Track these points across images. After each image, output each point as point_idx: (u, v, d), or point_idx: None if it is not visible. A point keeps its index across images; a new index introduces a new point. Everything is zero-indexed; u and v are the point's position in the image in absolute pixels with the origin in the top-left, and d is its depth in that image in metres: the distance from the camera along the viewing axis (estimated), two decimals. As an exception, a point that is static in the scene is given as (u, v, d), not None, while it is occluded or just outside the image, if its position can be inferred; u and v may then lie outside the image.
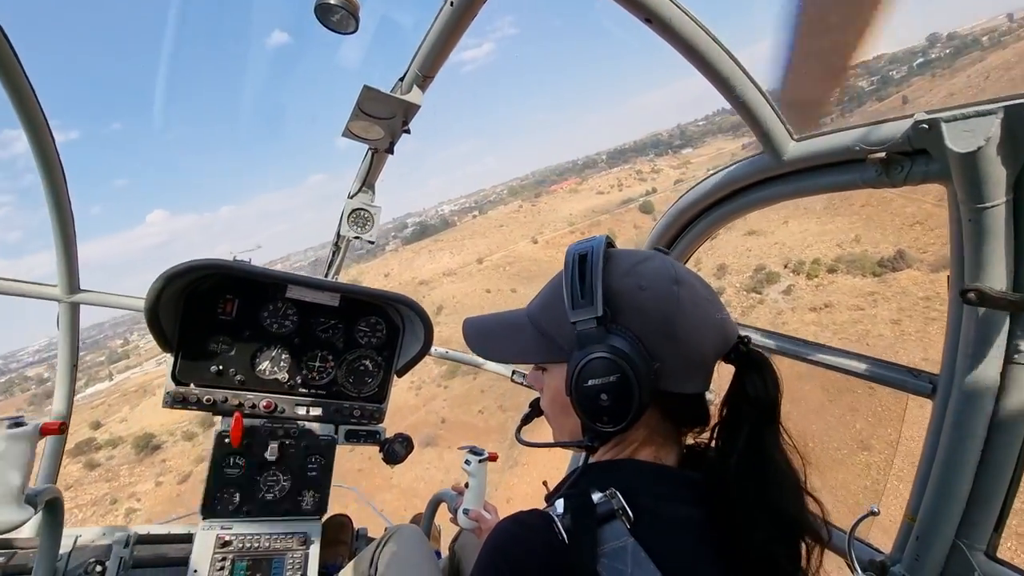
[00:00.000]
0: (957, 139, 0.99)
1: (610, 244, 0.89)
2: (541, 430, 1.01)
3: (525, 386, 3.02)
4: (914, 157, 1.16)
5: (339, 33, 1.39)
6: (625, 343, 0.78)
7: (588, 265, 0.82)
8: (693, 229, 1.82)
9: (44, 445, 2.37)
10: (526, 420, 1.06)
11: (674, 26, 1.18)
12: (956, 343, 1.23)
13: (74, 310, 2.42)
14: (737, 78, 1.28)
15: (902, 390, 1.44)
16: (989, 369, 1.18)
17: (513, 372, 3.07)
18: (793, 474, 0.83)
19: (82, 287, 2.43)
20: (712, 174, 1.63)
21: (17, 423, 1.40)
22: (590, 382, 0.79)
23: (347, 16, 1.32)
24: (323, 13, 1.33)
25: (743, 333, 0.89)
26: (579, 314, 0.81)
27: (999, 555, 1.25)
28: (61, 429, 1.53)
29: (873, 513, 1.41)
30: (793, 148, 1.35)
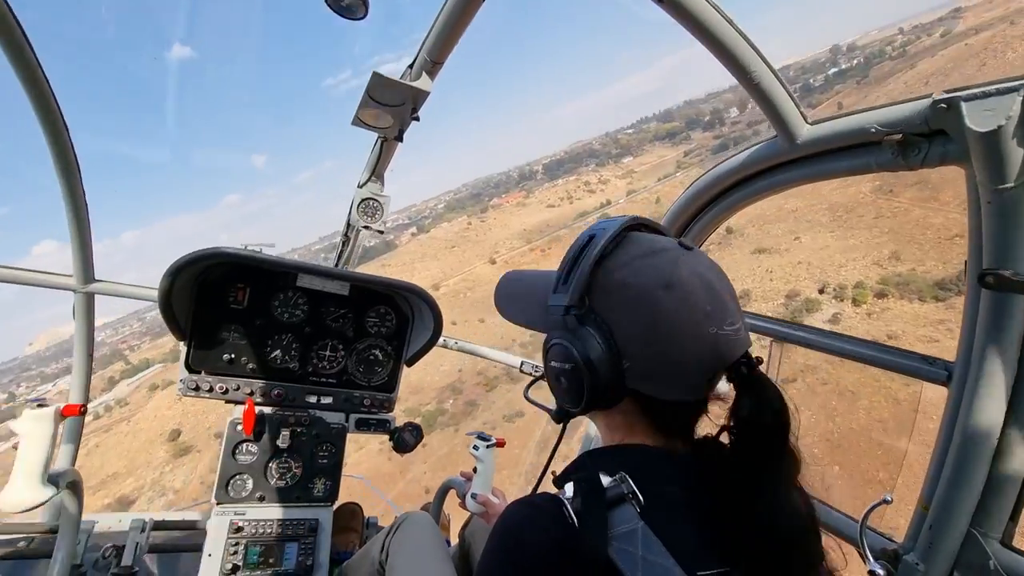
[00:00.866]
0: (977, 118, 0.97)
1: (640, 226, 0.87)
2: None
3: (534, 376, 3.02)
4: (932, 138, 1.14)
5: (348, 18, 1.39)
6: (592, 335, 0.79)
7: (586, 249, 0.82)
8: (707, 214, 1.81)
9: (63, 429, 2.43)
10: (535, 380, 1.16)
11: (687, 6, 1.16)
12: (973, 329, 1.21)
13: (89, 300, 2.45)
14: (752, 61, 1.26)
15: (916, 377, 1.42)
16: (1006, 355, 1.16)
17: (522, 363, 3.07)
18: (797, 513, 0.76)
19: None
20: (725, 159, 1.61)
21: (40, 404, 1.43)
22: (552, 364, 0.84)
23: (356, 1, 1.32)
24: (334, 0, 1.32)
25: (755, 327, 0.88)
26: (556, 298, 0.83)
27: (1015, 544, 1.24)
28: (81, 411, 1.56)
29: (886, 501, 1.39)
30: (807, 132, 1.33)
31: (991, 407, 1.20)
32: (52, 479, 1.46)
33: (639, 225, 0.88)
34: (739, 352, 0.79)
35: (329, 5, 1.34)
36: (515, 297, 1.01)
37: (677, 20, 1.18)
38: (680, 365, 0.78)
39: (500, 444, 1.88)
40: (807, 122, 1.33)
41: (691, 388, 0.80)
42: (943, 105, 1.03)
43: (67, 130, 1.92)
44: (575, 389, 0.82)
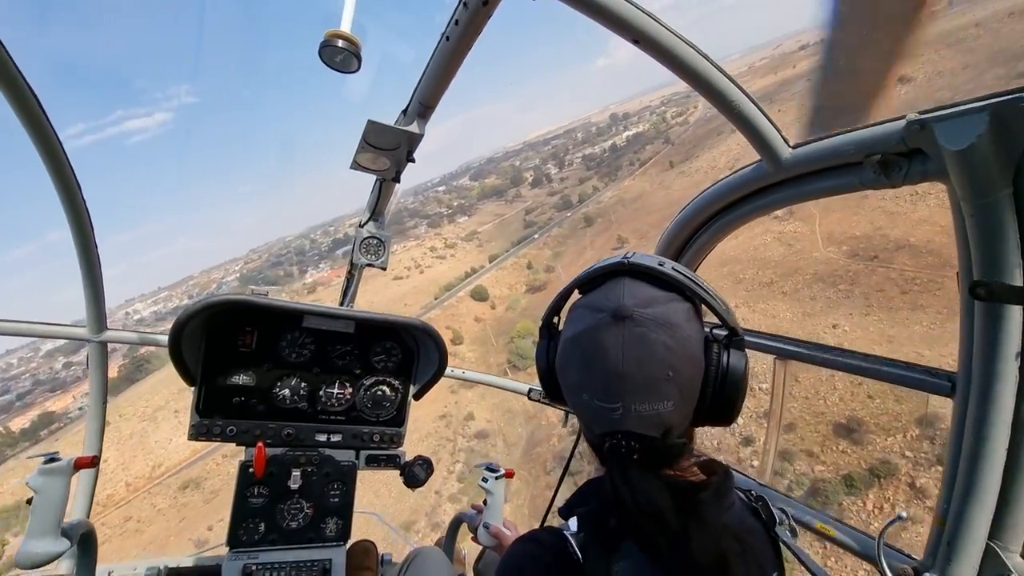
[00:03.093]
0: (949, 137, 1.00)
1: (638, 272, 0.90)
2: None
3: (541, 402, 3.02)
4: (911, 157, 1.17)
5: (342, 72, 1.45)
6: (544, 348, 1.00)
7: (577, 278, 0.96)
8: (700, 238, 1.84)
9: (77, 479, 2.44)
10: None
11: (663, 45, 1.22)
12: (971, 340, 1.22)
13: (103, 349, 2.50)
14: (730, 91, 1.31)
15: (921, 390, 1.42)
16: (1007, 366, 1.16)
17: (530, 390, 3.08)
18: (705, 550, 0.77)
19: None
20: (712, 185, 1.65)
21: (52, 459, 1.46)
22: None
23: (350, 56, 1.39)
24: (327, 55, 1.39)
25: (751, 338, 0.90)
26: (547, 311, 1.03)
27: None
28: (94, 463, 1.58)
29: (900, 519, 1.38)
30: (790, 155, 1.37)
31: (997, 417, 1.19)
32: (66, 532, 1.48)
33: (632, 271, 0.90)
34: (606, 428, 0.83)
35: (324, 61, 1.41)
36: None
37: (655, 58, 1.23)
38: (576, 412, 0.92)
39: (509, 475, 1.88)
40: (789, 145, 1.37)
41: (590, 435, 0.90)
42: (917, 125, 1.06)
43: (79, 188, 2.00)
44: (541, 384, 1.02)
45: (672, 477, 0.85)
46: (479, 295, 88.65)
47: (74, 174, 1.92)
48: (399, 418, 2.37)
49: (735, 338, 0.89)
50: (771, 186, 1.49)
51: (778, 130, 1.36)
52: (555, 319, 1.02)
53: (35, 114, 1.68)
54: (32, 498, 1.40)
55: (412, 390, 2.38)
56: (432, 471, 2.39)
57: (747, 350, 0.91)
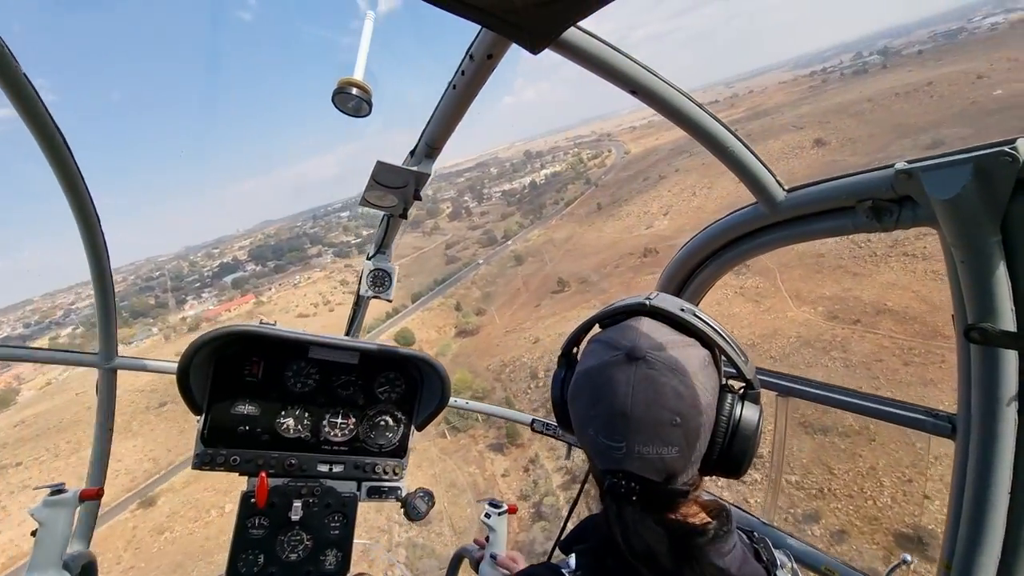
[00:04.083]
0: (936, 187, 1.04)
1: (659, 314, 0.91)
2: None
3: (544, 434, 3.00)
4: (902, 203, 1.20)
5: (354, 117, 1.53)
6: (559, 378, 1.03)
7: (600, 312, 0.98)
8: (699, 275, 1.87)
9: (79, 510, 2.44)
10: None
11: (659, 95, 1.27)
12: (968, 382, 1.23)
13: (113, 376, 2.54)
14: (725, 138, 1.36)
15: (921, 431, 1.42)
16: (1005, 408, 1.17)
17: (533, 421, 3.07)
18: None
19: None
20: (710, 225, 1.69)
21: (58, 490, 1.48)
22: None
23: (361, 102, 1.46)
24: (341, 101, 1.46)
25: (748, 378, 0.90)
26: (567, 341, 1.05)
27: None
28: (99, 495, 1.60)
29: (905, 562, 1.36)
30: (784, 198, 1.41)
31: (998, 459, 1.20)
32: (68, 564, 1.49)
33: (652, 312, 0.92)
34: (607, 465, 0.84)
35: (336, 106, 1.48)
36: None
37: (652, 107, 1.29)
38: (583, 446, 0.92)
39: (512, 511, 1.87)
40: (784, 189, 1.41)
41: (594, 471, 0.92)
42: (905, 175, 1.10)
43: (99, 222, 2.07)
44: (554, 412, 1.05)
45: (672, 521, 0.85)
46: (404, 339, 74.98)
47: (95, 210, 1.99)
48: (401, 449, 2.37)
49: (751, 391, 0.89)
50: (767, 227, 1.53)
51: (772, 174, 1.41)
52: (574, 350, 1.03)
53: (69, 169, 1.76)
54: (36, 530, 1.42)
55: (415, 420, 2.39)
56: (434, 504, 2.38)
57: None
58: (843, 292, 41.84)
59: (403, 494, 2.34)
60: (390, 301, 2.32)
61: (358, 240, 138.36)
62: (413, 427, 2.39)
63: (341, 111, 1.48)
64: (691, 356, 0.85)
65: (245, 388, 2.15)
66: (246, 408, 2.15)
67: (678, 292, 1.88)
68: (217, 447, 2.09)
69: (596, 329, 0.98)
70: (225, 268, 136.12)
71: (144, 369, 2.62)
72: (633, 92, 1.25)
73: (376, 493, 2.31)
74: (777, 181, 1.41)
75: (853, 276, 43.26)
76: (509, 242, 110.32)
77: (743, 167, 1.41)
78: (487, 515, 1.87)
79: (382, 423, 2.35)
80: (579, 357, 0.96)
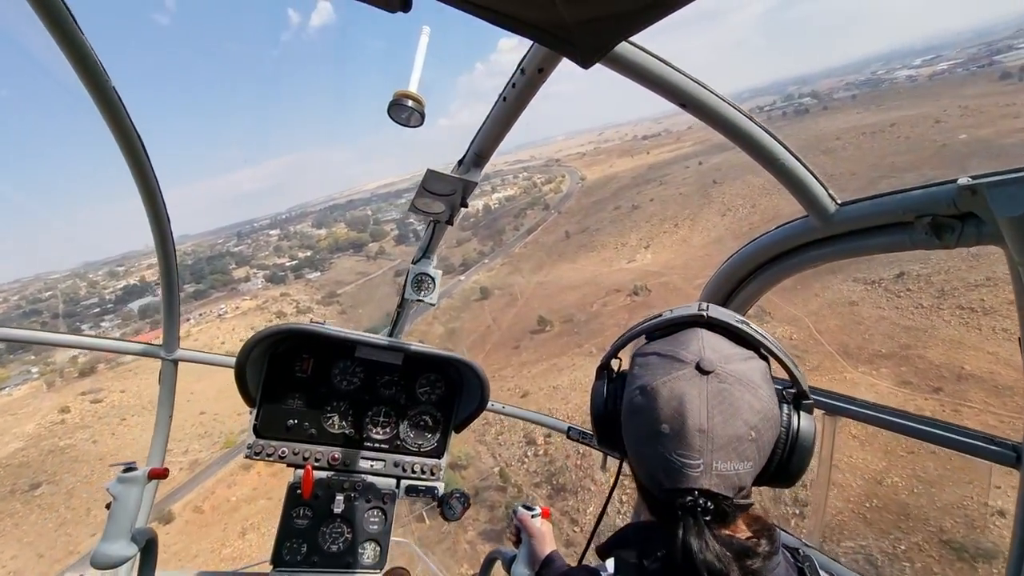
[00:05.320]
0: (1003, 204, 1.00)
1: (714, 325, 0.90)
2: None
3: (581, 442, 3.00)
4: (964, 219, 1.16)
5: (406, 127, 1.59)
6: (603, 391, 0.98)
7: (648, 321, 0.96)
8: (745, 288, 1.84)
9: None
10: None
11: (709, 108, 1.27)
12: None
13: (174, 367, 2.71)
14: (776, 150, 1.34)
15: (982, 458, 1.35)
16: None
17: (569, 428, 3.07)
18: None
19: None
20: (758, 237, 1.66)
21: (129, 468, 1.60)
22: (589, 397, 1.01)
23: (415, 113, 1.52)
24: (395, 112, 1.53)
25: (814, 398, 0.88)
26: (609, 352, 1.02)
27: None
28: (165, 474, 1.72)
29: None
30: (837, 212, 1.38)
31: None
32: (135, 537, 1.60)
33: (710, 324, 0.90)
34: (678, 483, 0.80)
35: (391, 117, 1.55)
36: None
37: (702, 120, 1.29)
38: (640, 462, 0.88)
39: (545, 515, 1.88)
40: (836, 203, 1.38)
41: (650, 486, 0.86)
42: (969, 191, 1.06)
43: (168, 222, 2.23)
44: (593, 426, 1.00)
45: (726, 537, 0.83)
46: None
47: (166, 211, 2.14)
48: (439, 450, 2.43)
49: (806, 402, 0.88)
50: (818, 241, 1.49)
51: (824, 187, 1.38)
52: (615, 361, 1.01)
53: (151, 186, 1.90)
54: (111, 503, 1.54)
55: (453, 422, 2.44)
56: (469, 505, 2.42)
57: None
58: (901, 350, 35.88)
59: (440, 493, 2.39)
60: (433, 305, 2.38)
61: (293, 263, 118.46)
62: (452, 429, 2.44)
63: (395, 121, 1.54)
64: (754, 368, 0.84)
65: (295, 384, 2.26)
66: (295, 403, 2.26)
67: (723, 303, 1.85)
68: (268, 439, 2.20)
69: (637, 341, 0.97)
70: (131, 291, 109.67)
71: (204, 362, 2.79)
72: (683, 105, 1.26)
73: (414, 491, 2.38)
74: (829, 194, 1.38)
75: (906, 330, 37.39)
76: (471, 272, 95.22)
77: (793, 179, 1.39)
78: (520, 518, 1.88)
79: (422, 423, 2.41)
80: (633, 369, 0.91)
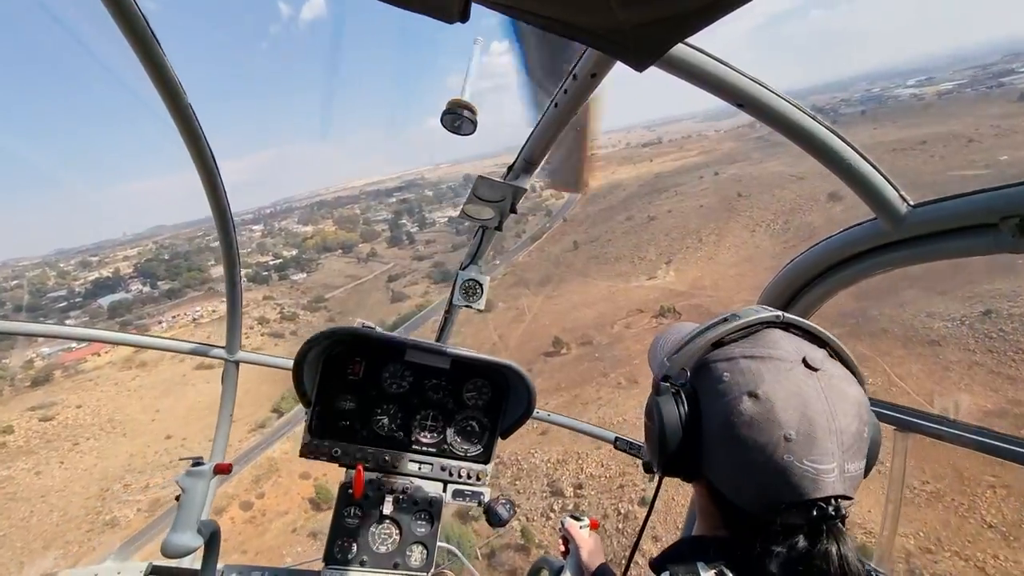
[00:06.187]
0: None
1: (788, 325, 0.85)
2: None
3: (628, 453, 2.94)
4: (1058, 221, 1.07)
5: (457, 134, 1.62)
6: (676, 408, 0.84)
7: (713, 327, 0.87)
8: (808, 294, 1.75)
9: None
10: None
11: (769, 108, 1.24)
12: None
13: (236, 368, 2.86)
14: (842, 150, 1.29)
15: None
16: None
17: (616, 439, 3.01)
18: None
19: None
20: (822, 240, 1.59)
21: (197, 462, 1.69)
22: (645, 419, 0.90)
23: (467, 121, 1.55)
24: (448, 121, 1.57)
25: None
26: (671, 361, 0.90)
27: None
28: (229, 470, 1.81)
29: None
30: (910, 214, 1.30)
31: None
32: (200, 530, 1.69)
33: (785, 324, 0.85)
34: (813, 494, 0.72)
35: (444, 125, 1.59)
36: (657, 346, 1.06)
37: (761, 121, 1.25)
38: (746, 476, 0.78)
39: (594, 526, 1.85)
40: (909, 204, 1.30)
41: (755, 503, 0.78)
42: None
43: (234, 230, 2.36)
44: (653, 449, 0.87)
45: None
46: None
47: (231, 215, 2.27)
48: (486, 455, 2.43)
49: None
50: (888, 244, 1.41)
51: (896, 188, 1.30)
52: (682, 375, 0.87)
53: (218, 192, 2.02)
54: (180, 495, 1.63)
55: (500, 427, 2.45)
56: (515, 512, 2.41)
57: None
58: (1012, 407, 30.42)
59: (486, 499, 2.40)
60: (480, 310, 2.41)
61: (277, 262, 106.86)
62: (498, 435, 2.45)
63: (447, 128, 1.58)
64: (838, 365, 0.81)
65: (347, 386, 2.33)
66: (347, 404, 2.32)
67: (784, 308, 1.78)
68: (322, 438, 2.28)
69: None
70: (102, 285, 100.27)
71: (263, 364, 2.92)
72: (740, 106, 1.23)
73: (460, 495, 2.39)
74: (901, 195, 1.30)
75: (1010, 381, 31.75)
76: None
77: (861, 180, 1.32)
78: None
79: (468, 428, 2.43)
80: (717, 378, 0.82)
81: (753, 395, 0.76)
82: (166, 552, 1.57)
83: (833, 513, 0.72)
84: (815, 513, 0.72)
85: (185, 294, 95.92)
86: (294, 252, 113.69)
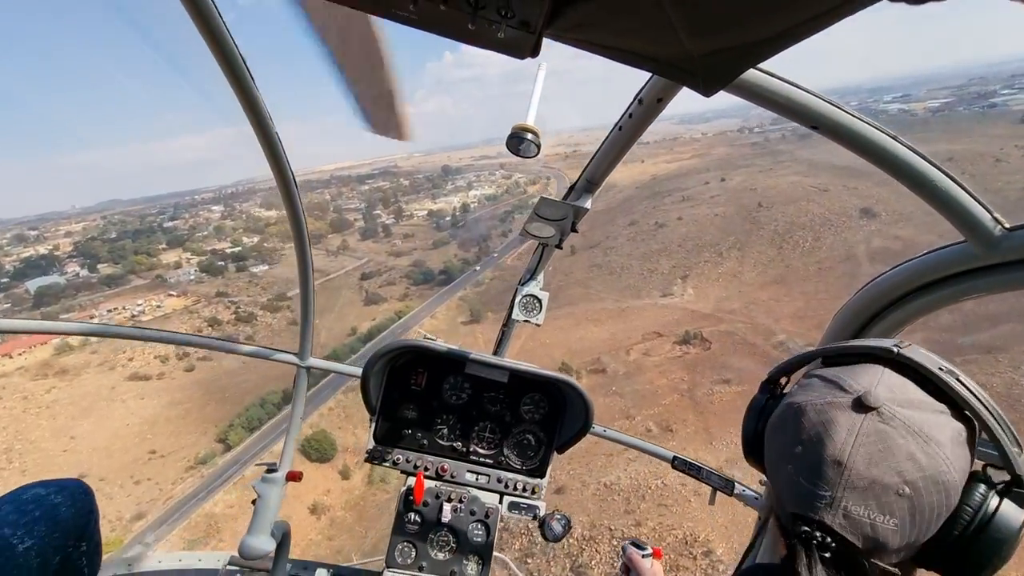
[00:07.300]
0: None
1: (897, 364, 0.82)
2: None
3: (687, 474, 2.86)
4: None
5: (522, 157, 1.67)
6: (759, 408, 0.97)
7: (821, 350, 0.95)
8: (888, 316, 1.66)
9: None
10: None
11: (845, 128, 1.20)
12: None
13: (306, 374, 3.03)
14: (926, 170, 1.23)
15: None
16: None
17: (674, 458, 2.94)
18: None
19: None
20: (906, 261, 1.51)
21: (271, 469, 1.82)
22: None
23: (531, 145, 1.60)
24: (512, 144, 1.62)
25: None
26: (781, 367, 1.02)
27: None
28: (299, 477, 1.93)
29: None
30: (1004, 238, 1.21)
31: None
32: (274, 532, 1.81)
33: (903, 365, 0.80)
34: (808, 512, 0.76)
35: (509, 149, 1.65)
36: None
37: (838, 143, 1.22)
38: (773, 481, 0.87)
39: (657, 555, 1.82)
40: (1004, 227, 1.22)
41: (779, 508, 0.85)
42: None
43: (309, 244, 2.52)
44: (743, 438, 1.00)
45: None
46: (319, 452, 41.47)
47: (305, 224, 2.42)
48: (541, 469, 2.45)
49: (1017, 489, 0.74)
50: (979, 269, 1.32)
51: (988, 210, 1.22)
52: (783, 379, 1.00)
53: (298, 219, 2.16)
54: (256, 500, 1.77)
55: (556, 442, 2.46)
56: (571, 528, 2.41)
57: None
58: None
59: (541, 513, 2.41)
60: (539, 325, 2.44)
61: (236, 249, 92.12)
62: (554, 449, 2.46)
63: (512, 152, 1.64)
64: (941, 424, 0.74)
65: (410, 396, 2.43)
66: (409, 413, 2.42)
67: (860, 332, 1.69)
68: (386, 445, 2.38)
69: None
70: (33, 265, 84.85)
71: (332, 371, 3.08)
72: (814, 127, 1.20)
73: (516, 508, 2.42)
74: (994, 217, 1.22)
75: None
76: (455, 284, 77.80)
77: (947, 202, 1.25)
78: (629, 557, 1.84)
79: (525, 442, 2.46)
80: (793, 388, 0.90)
81: (794, 405, 0.83)
82: (243, 553, 1.69)
83: (814, 537, 0.74)
84: (803, 532, 0.76)
85: (128, 281, 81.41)
86: (255, 239, 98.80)
